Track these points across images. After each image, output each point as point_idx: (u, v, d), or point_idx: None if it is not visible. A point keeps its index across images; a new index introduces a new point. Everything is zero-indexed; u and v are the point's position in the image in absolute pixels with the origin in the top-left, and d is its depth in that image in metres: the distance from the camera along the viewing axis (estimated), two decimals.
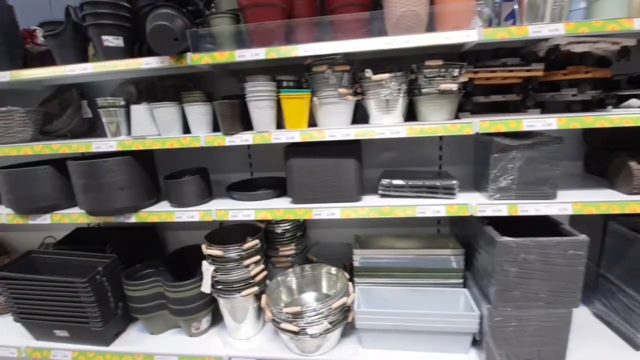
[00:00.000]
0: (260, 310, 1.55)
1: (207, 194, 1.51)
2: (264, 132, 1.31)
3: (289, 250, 1.67)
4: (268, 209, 1.38)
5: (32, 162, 1.69)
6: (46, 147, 1.43)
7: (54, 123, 1.65)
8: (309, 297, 1.61)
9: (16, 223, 1.55)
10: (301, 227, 1.72)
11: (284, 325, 1.34)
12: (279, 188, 1.54)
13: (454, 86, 1.25)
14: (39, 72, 1.40)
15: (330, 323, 1.34)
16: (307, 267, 1.60)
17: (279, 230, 1.65)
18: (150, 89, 1.70)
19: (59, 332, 1.57)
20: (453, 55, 1.43)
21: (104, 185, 1.36)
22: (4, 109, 1.44)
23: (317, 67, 1.29)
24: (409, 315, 1.35)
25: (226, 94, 1.53)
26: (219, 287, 1.46)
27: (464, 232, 1.62)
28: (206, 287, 1.43)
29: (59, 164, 1.51)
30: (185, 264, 1.80)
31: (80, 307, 1.48)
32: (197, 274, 1.48)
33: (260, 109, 1.29)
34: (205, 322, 1.59)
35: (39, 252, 1.68)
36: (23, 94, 1.92)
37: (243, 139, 1.31)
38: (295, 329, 1.32)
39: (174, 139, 1.35)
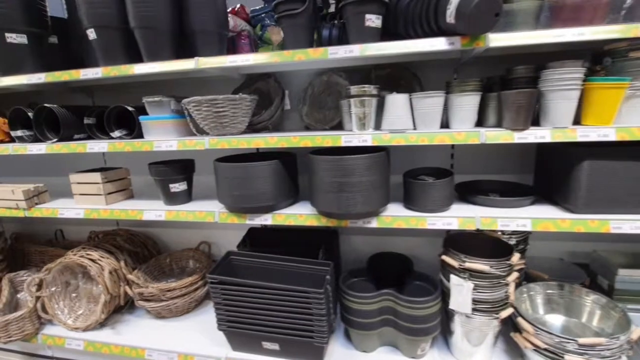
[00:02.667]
0: (498, 334, 1.35)
1: (452, 198, 1.32)
2: (564, 128, 1.10)
3: (518, 265, 1.46)
4: (549, 219, 1.17)
5: (227, 156, 1.57)
6: (283, 140, 1.28)
7: (263, 114, 1.51)
8: (555, 321, 1.39)
9: (230, 222, 1.41)
10: (527, 239, 1.51)
11: (570, 357, 1.13)
12: (511, 194, 1.34)
13: None
14: (296, 54, 1.24)
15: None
16: (566, 286, 1.39)
17: (512, 242, 1.44)
18: (366, 79, 1.53)
19: (268, 345, 1.42)
20: None
21: (361, 184, 1.19)
22: (236, 96, 1.30)
23: (636, 52, 1.07)
24: None
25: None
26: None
27: None
28: (465, 307, 1.24)
29: (282, 159, 1.36)
30: (378, 272, 1.62)
31: (307, 319, 1.32)
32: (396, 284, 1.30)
33: (566, 101, 1.08)
34: (429, 343, 1.40)
35: (237, 254, 1.55)
36: (204, 84, 1.81)
37: (538, 135, 1.11)
38: None
39: (444, 134, 1.16)
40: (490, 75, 1.44)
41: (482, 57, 1.48)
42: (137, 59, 1.48)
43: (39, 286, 1.74)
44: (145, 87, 1.89)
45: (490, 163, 1.63)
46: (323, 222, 1.33)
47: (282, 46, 1.71)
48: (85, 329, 1.68)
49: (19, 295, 1.96)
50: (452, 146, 1.66)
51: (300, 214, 1.35)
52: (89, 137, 1.64)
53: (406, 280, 1.53)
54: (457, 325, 1.34)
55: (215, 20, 1.43)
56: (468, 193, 1.38)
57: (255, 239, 1.79)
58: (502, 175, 1.61)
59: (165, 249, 2.14)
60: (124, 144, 1.43)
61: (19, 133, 1.62)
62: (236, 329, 1.42)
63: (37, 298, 1.71)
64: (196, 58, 1.31)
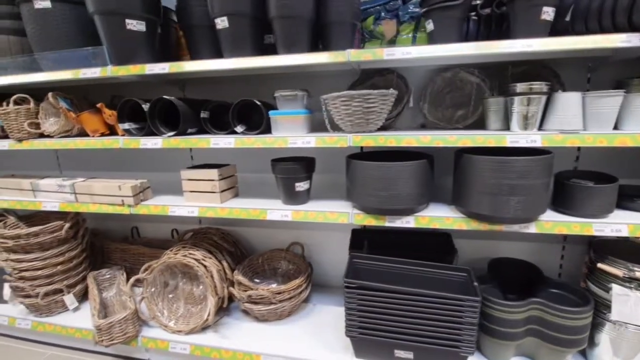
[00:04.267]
0: None
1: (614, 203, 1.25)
2: None
3: None
4: None
5: (353, 154, 1.50)
6: (438, 138, 1.21)
7: (392, 111, 1.44)
8: None
9: (367, 224, 1.34)
10: None
11: None
12: None
13: None
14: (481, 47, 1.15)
15: None
16: None
17: None
18: (501, 76, 1.46)
19: (401, 353, 1.36)
20: None
21: (532, 187, 1.12)
22: (387, 91, 1.23)
23: None
24: None
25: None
26: None
27: None
28: (634, 318, 1.18)
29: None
30: (500, 278, 1.56)
31: (454, 328, 1.25)
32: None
33: None
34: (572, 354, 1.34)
35: (360, 257, 1.48)
36: (309, 79, 1.74)
37: None
38: None
39: (626, 136, 1.09)
40: (629, 77, 1.38)
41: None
42: (261, 50, 1.41)
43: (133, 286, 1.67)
44: (238, 82, 1.81)
45: (616, 166, 1.56)
46: (473, 225, 1.26)
47: (393, 41, 1.64)
48: (190, 332, 1.60)
49: (103, 295, 1.89)
50: (579, 148, 1.59)
51: (446, 217, 1.28)
52: (202, 132, 1.56)
53: (538, 287, 1.46)
54: (606, 336, 1.28)
55: (351, 10, 1.36)
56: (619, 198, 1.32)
57: (360, 241, 1.72)
58: (628, 180, 1.55)
59: (250, 248, 2.07)
60: (253, 140, 1.36)
61: (126, 126, 1.54)
62: (368, 336, 1.35)
63: (131, 298, 1.64)
64: (348, 50, 1.23)
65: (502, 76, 1.48)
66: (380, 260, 1.47)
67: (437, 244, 1.67)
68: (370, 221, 1.34)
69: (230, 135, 1.41)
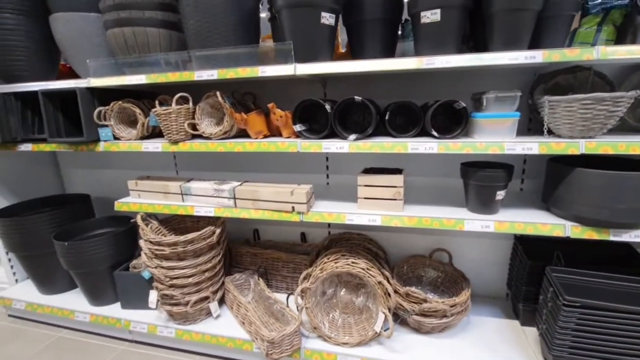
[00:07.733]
0: None
1: None
2: None
3: None
4: None
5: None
6: None
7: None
8: None
9: (587, 237, 1.24)
10: None
11: None
12: None
13: None
14: None
15: None
16: None
17: None
18: None
19: None
20: None
21: None
22: (634, 93, 1.11)
23: None
24: None
25: None
26: None
27: None
28: None
29: None
30: None
31: None
32: None
33: None
34: None
35: (558, 271, 1.38)
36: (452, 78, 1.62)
37: None
38: None
39: None
40: None
41: None
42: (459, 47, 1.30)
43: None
44: (384, 81, 1.70)
45: None
46: None
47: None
48: (357, 345, 1.53)
49: None
50: None
51: None
52: (375, 134, 1.46)
53: None
54: None
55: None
56: None
57: (531, 250, 1.61)
58: None
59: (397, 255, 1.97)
60: (461, 145, 1.25)
61: (298, 127, 1.43)
62: (579, 356, 1.26)
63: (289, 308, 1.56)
64: (597, 47, 1.10)
65: None
66: (580, 275, 1.37)
67: (618, 256, 1.56)
68: (591, 234, 1.24)
69: (431, 140, 1.30)
